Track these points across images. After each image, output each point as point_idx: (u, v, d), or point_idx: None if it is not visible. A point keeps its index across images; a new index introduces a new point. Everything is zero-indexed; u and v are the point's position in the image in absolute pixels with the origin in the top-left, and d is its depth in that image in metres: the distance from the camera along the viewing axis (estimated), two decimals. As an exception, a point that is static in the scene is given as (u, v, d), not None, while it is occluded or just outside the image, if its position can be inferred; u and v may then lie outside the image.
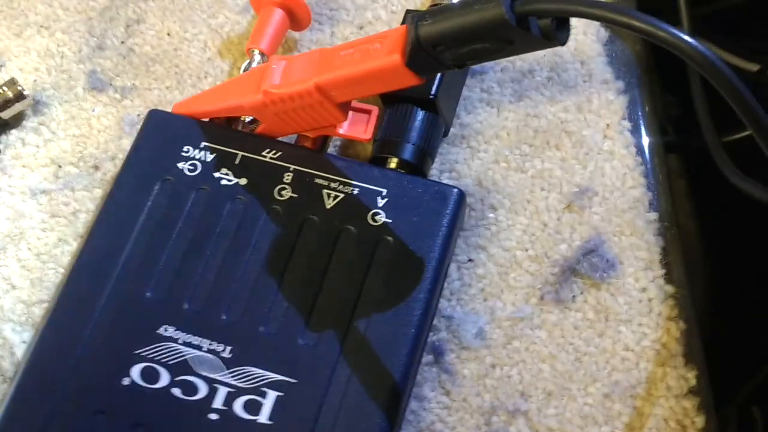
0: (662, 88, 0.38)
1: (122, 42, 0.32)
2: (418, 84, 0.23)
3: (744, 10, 0.50)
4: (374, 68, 0.23)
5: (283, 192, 0.26)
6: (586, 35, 0.31)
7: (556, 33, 0.20)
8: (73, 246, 0.28)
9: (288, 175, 0.26)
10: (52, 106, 0.31)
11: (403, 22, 0.29)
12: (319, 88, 0.24)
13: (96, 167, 0.30)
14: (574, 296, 0.26)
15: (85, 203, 0.29)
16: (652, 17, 0.17)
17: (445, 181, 0.29)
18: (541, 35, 0.20)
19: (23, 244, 0.28)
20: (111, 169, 0.30)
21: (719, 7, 0.52)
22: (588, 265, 0.27)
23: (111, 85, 0.31)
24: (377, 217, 0.26)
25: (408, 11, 0.29)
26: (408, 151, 0.27)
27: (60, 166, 0.30)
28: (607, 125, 0.29)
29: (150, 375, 0.24)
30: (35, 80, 0.31)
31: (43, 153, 0.30)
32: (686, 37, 0.17)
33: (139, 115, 0.31)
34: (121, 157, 0.30)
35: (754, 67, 0.49)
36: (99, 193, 0.29)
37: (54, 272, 0.28)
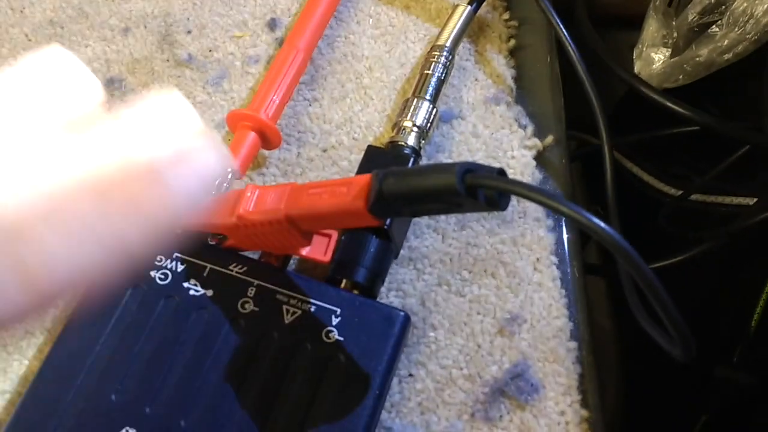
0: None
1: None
2: (376, 225, 0.26)
3: (668, 139, 0.57)
4: (341, 209, 0.26)
5: (246, 305, 0.29)
6: (523, 176, 0.35)
7: (499, 201, 0.23)
8: (39, 339, 0.30)
9: (252, 290, 0.29)
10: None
11: (364, 156, 0.33)
12: (288, 219, 0.27)
13: (67, 264, 0.32)
14: (501, 416, 0.29)
15: (54, 298, 0.31)
16: (576, 205, 0.21)
17: (392, 299, 0.32)
18: (486, 203, 0.23)
19: (-10, 334, 0.30)
20: (82, 266, 0.32)
21: (648, 136, 0.58)
22: (515, 387, 0.30)
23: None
24: (330, 335, 0.28)
25: (369, 146, 0.33)
26: (361, 275, 0.30)
27: (32, 261, 0.31)
28: (538, 259, 0.33)
29: (110, 475, 0.25)
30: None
31: (16, 246, 0.32)
32: (605, 226, 0.21)
33: (112, 216, 0.33)
34: (93, 256, 0.32)
35: (676, 192, 0.54)
36: (68, 289, 0.31)
37: (18, 363, 0.29)
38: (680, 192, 0.53)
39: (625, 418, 0.57)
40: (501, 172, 0.24)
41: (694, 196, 0.52)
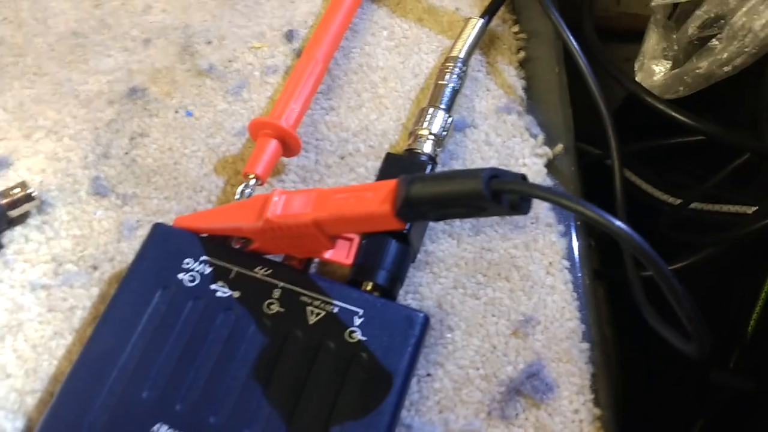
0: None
1: (126, 153, 0.35)
2: (401, 229, 0.27)
3: (667, 148, 0.58)
4: (367, 213, 0.27)
5: (272, 306, 0.30)
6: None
7: (522, 206, 0.24)
8: (68, 340, 0.31)
9: (277, 291, 0.30)
10: (56, 206, 0.34)
11: (383, 163, 0.34)
12: (315, 223, 0.28)
13: (94, 267, 0.32)
14: (517, 414, 0.30)
15: (82, 300, 0.32)
16: (594, 206, 0.22)
17: (409, 302, 0.33)
18: (509, 207, 0.24)
19: (20, 335, 0.31)
20: (108, 269, 0.32)
21: (646, 146, 0.60)
22: (530, 387, 0.31)
23: (113, 191, 0.34)
24: (353, 335, 0.29)
25: (388, 153, 0.34)
26: (382, 277, 0.31)
27: (60, 264, 0.32)
28: (550, 263, 0.34)
29: (145, 470, 0.26)
30: (41, 181, 0.34)
31: (44, 250, 0.33)
32: (625, 227, 0.22)
33: (138, 221, 0.34)
34: (119, 259, 0.33)
35: (676, 201, 0.55)
36: (96, 291, 0.32)
37: (48, 363, 0.30)
38: (680, 200, 0.54)
39: (622, 422, 0.58)
40: (524, 178, 0.25)
41: (693, 205, 0.54)
